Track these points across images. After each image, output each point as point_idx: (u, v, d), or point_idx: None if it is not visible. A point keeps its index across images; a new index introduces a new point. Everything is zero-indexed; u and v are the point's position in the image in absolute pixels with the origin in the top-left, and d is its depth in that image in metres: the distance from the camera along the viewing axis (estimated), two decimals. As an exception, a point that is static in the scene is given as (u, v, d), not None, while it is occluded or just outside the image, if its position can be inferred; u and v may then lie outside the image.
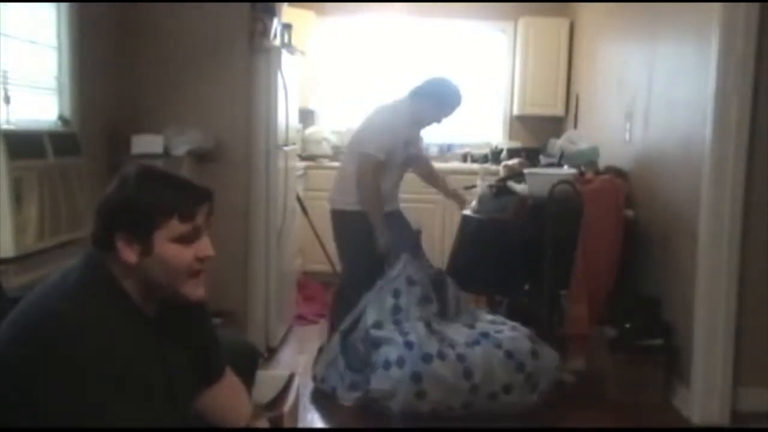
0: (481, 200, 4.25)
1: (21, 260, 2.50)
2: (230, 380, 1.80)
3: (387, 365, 3.21)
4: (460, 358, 3.21)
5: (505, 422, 3.20)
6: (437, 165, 4.72)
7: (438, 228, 5.60)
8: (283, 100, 3.98)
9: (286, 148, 4.12)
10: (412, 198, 4.56)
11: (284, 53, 4.02)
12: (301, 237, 5.00)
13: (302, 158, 5.66)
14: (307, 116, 6.09)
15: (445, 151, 6.31)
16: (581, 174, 4.22)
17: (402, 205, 3.95)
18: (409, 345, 3.22)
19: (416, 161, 4.01)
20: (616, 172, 4.20)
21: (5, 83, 2.63)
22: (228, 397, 1.77)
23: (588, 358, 3.80)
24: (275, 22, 3.99)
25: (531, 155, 5.55)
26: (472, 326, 3.48)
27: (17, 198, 2.48)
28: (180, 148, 3.48)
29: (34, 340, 1.38)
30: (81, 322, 1.40)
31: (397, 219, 3.84)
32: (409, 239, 3.84)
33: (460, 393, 3.19)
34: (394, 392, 3.17)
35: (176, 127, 3.53)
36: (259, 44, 3.81)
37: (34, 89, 2.95)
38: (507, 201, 4.14)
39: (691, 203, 3.35)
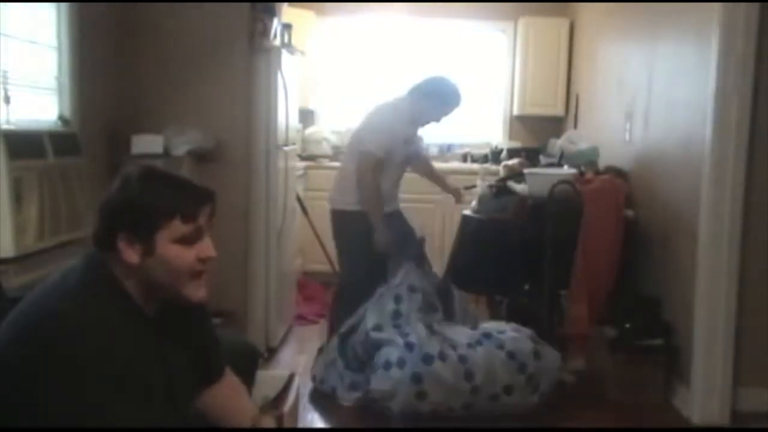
0: (481, 200, 4.25)
1: (21, 260, 2.50)
2: (230, 380, 1.80)
3: (387, 366, 3.21)
4: (462, 359, 3.20)
5: (505, 422, 3.20)
6: (437, 165, 4.73)
7: (438, 228, 5.60)
8: (283, 100, 3.98)
9: (286, 148, 4.12)
10: (412, 198, 4.56)
11: (284, 53, 4.02)
12: (301, 237, 5.00)
13: (302, 158, 5.66)
14: (307, 116, 6.09)
15: (445, 151, 6.31)
16: (581, 174, 4.22)
17: (402, 205, 3.95)
18: (409, 346, 3.22)
19: (416, 160, 4.01)
20: (616, 172, 4.20)
21: (5, 83, 2.63)
22: (228, 397, 1.77)
23: (588, 358, 3.80)
24: (275, 22, 3.99)
25: (531, 155, 5.55)
26: (474, 327, 3.48)
27: (17, 198, 2.48)
28: (180, 148, 3.48)
29: (35, 340, 1.38)
30: (81, 322, 1.40)
31: (397, 219, 3.84)
32: (411, 241, 3.85)
33: (461, 394, 3.18)
34: (394, 392, 3.17)
35: (176, 127, 3.53)
36: (259, 44, 3.81)
37: (34, 89, 2.95)
38: (507, 201, 4.14)
39: (691, 203, 3.35)
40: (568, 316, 3.83)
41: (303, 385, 3.25)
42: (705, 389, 3.27)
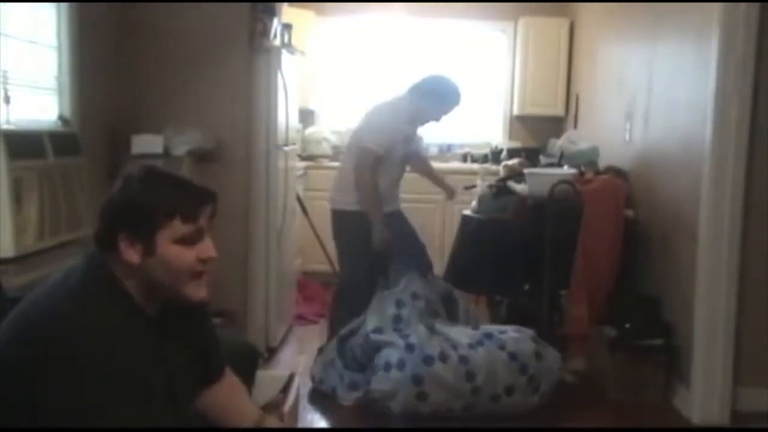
0: (481, 200, 4.25)
1: (21, 260, 2.50)
2: (230, 380, 1.80)
3: (387, 367, 3.20)
4: (463, 360, 3.19)
5: (505, 423, 3.20)
6: (437, 165, 4.75)
7: (438, 228, 5.60)
8: (283, 100, 3.98)
9: (286, 148, 4.12)
10: (412, 198, 4.56)
11: (284, 53, 4.02)
12: (301, 237, 5.00)
13: (302, 158, 5.66)
14: (307, 116, 6.09)
15: (445, 151, 6.31)
16: (581, 174, 4.22)
17: (402, 205, 3.95)
18: (409, 347, 3.21)
19: (415, 159, 4.01)
20: (616, 172, 4.19)
21: (5, 83, 2.63)
22: (228, 397, 1.77)
23: (588, 358, 3.80)
24: (275, 22, 3.99)
25: (531, 155, 5.55)
26: (475, 327, 3.48)
27: (17, 198, 2.48)
28: (180, 148, 3.48)
29: (35, 340, 1.38)
30: (82, 322, 1.40)
31: (398, 219, 3.84)
32: (411, 241, 3.85)
33: (461, 395, 3.18)
34: (394, 393, 3.16)
35: (176, 127, 3.53)
36: (259, 44, 3.81)
37: (34, 89, 2.95)
38: (507, 201, 4.14)
39: (691, 203, 3.35)
40: (568, 316, 3.83)
41: (303, 385, 3.25)
42: (705, 389, 3.27)
